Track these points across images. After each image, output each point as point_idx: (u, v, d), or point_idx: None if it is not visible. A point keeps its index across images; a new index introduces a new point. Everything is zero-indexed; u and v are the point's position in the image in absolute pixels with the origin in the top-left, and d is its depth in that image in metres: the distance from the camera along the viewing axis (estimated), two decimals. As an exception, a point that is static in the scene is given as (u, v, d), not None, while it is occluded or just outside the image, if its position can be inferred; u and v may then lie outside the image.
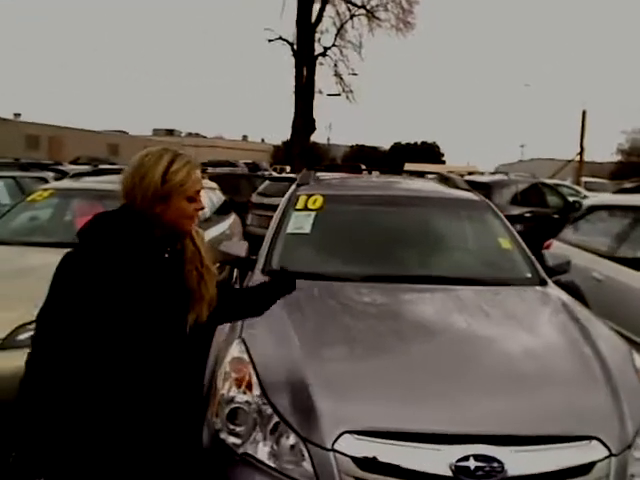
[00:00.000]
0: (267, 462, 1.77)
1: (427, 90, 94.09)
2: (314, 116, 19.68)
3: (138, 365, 1.44)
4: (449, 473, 1.63)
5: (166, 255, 1.54)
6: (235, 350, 2.11)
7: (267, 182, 9.53)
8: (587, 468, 1.68)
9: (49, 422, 1.38)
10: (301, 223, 3.28)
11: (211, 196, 6.40)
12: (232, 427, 1.88)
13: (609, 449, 1.71)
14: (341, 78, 20.71)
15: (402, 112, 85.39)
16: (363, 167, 7.95)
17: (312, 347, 2.09)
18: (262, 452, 1.79)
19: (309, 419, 1.76)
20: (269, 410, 1.84)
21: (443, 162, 35.04)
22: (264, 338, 2.18)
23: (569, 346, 2.22)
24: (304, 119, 19.31)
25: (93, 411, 1.41)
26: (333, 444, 1.69)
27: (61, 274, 1.42)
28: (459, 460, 1.64)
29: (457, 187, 3.81)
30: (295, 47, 18.98)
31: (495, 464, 1.63)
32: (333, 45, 20.40)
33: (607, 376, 2.00)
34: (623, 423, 1.79)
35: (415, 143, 38.59)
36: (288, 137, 20.81)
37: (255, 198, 9.03)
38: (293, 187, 3.70)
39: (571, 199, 9.63)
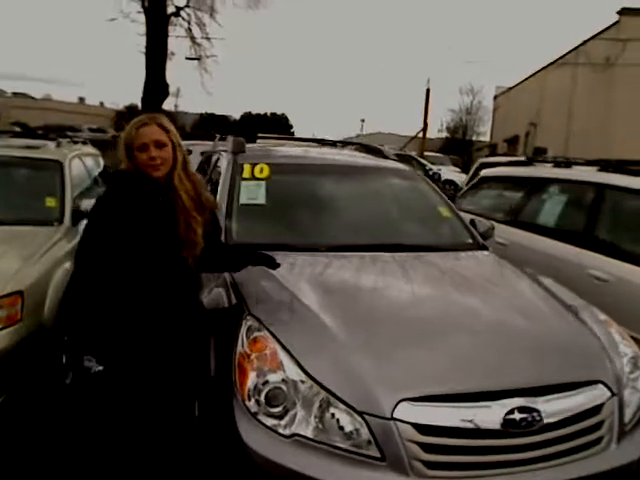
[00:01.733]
0: (320, 439, 1.72)
1: (278, 62, 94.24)
2: (167, 81, 18.57)
3: (145, 272, 1.98)
4: (498, 427, 1.74)
5: (160, 199, 2.03)
6: (250, 329, 1.99)
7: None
8: (597, 409, 1.92)
9: (91, 308, 1.94)
10: (253, 193, 3.13)
11: (86, 164, 5.72)
12: (271, 409, 1.79)
13: (611, 390, 1.96)
14: (194, 42, 19.72)
15: (252, 82, 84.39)
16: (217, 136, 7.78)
17: (335, 316, 2.04)
18: (312, 430, 1.74)
19: (362, 391, 1.74)
20: (312, 386, 1.78)
21: (292, 133, 35.52)
22: (278, 312, 2.07)
23: (542, 300, 2.45)
24: (156, 83, 18.07)
25: (119, 301, 1.97)
26: (392, 413, 1.70)
27: (92, 211, 2.11)
28: (507, 414, 1.75)
29: (387, 158, 3.93)
30: (146, 3, 17.59)
31: (535, 414, 1.78)
32: (187, 6, 19.27)
33: (585, 323, 2.27)
34: (614, 366, 2.06)
35: (265, 114, 38.61)
36: (132, 102, 19.18)
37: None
38: (228, 155, 3.50)
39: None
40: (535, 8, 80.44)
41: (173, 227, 2.04)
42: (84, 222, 2.24)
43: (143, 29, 18.18)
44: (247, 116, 37.38)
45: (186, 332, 2.09)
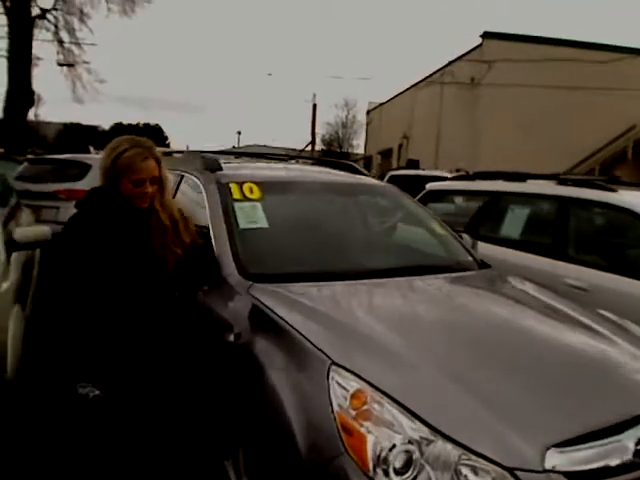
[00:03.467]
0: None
1: (152, 69, 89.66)
2: (34, 88, 16.75)
3: (120, 292, 2.02)
4: (631, 458, 1.64)
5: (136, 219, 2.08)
6: (343, 381, 1.68)
7: (26, 164, 7.75)
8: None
9: (75, 333, 1.99)
10: (251, 216, 2.78)
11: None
12: (402, 477, 1.51)
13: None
14: (62, 46, 18.07)
15: (122, 90, 79.21)
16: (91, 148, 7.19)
17: (426, 356, 1.81)
18: (452, 496, 1.49)
19: (501, 442, 1.54)
20: (441, 443, 1.53)
21: (167, 145, 34.13)
22: (363, 357, 1.79)
23: (599, 317, 2.43)
24: (20, 91, 16.23)
25: (99, 322, 2.00)
26: (543, 464, 1.51)
27: (64, 230, 2.08)
28: (637, 443, 1.65)
29: (360, 174, 3.77)
30: (7, 3, 15.72)
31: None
32: (54, 9, 17.58)
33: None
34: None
35: (137, 124, 36.59)
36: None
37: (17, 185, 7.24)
38: (205, 174, 3.10)
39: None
40: (406, 28, 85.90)
41: (147, 247, 2.07)
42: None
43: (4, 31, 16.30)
44: (118, 126, 35.17)
45: (162, 349, 2.12)
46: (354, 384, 1.67)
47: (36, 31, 16.92)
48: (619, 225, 3.65)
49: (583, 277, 3.52)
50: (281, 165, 3.76)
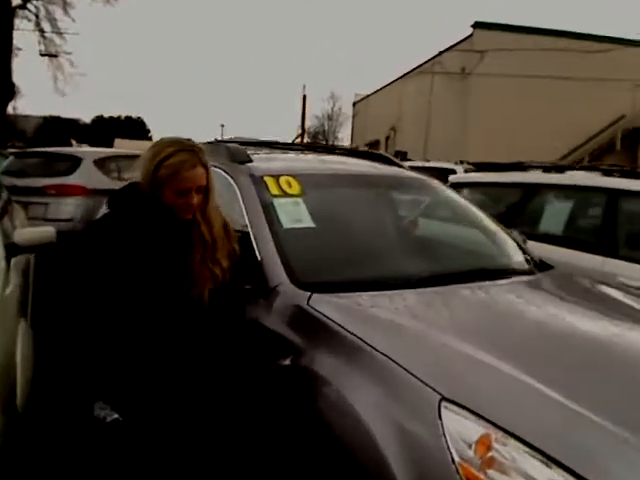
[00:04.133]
0: None
1: (135, 62, 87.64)
2: (14, 80, 16.05)
3: (151, 309, 1.72)
4: None
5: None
6: (462, 422, 1.36)
7: (12, 158, 7.26)
8: None
9: (99, 351, 1.72)
10: (295, 215, 2.44)
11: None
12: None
13: None
14: (44, 36, 17.36)
15: (103, 82, 77.21)
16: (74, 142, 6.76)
17: (561, 390, 1.48)
18: None
19: None
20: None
21: (150, 138, 33.40)
22: (479, 389, 1.47)
23: None
24: (0, 83, 15.53)
25: (126, 341, 1.71)
26: None
27: (93, 230, 1.86)
28: None
29: (399, 166, 3.43)
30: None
31: None
32: (35, -2, 16.85)
33: None
34: None
35: (119, 117, 35.68)
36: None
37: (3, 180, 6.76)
38: (233, 166, 2.74)
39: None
40: (393, 19, 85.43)
41: (185, 261, 1.78)
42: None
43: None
44: (99, 119, 34.28)
45: (206, 375, 1.82)
46: (476, 426, 1.34)
47: (17, 21, 16.24)
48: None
49: (637, 275, 3.25)
50: (312, 156, 3.40)
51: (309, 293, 1.98)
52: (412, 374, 1.50)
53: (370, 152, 3.54)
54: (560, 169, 4.12)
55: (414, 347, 1.64)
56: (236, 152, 2.86)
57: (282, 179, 2.59)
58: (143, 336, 1.73)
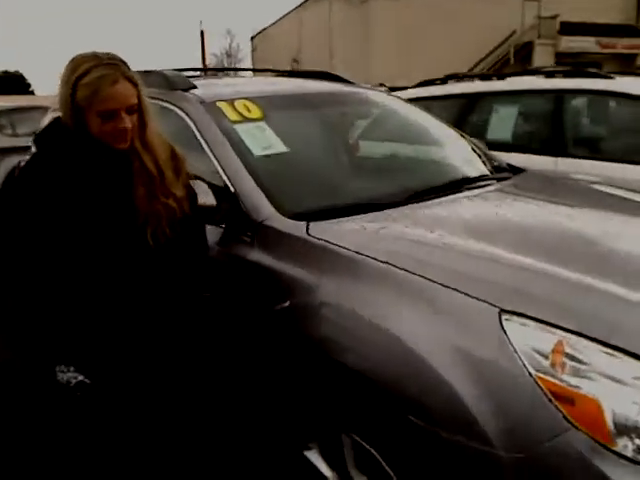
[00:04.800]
0: None
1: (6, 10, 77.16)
2: None
3: (97, 270, 1.48)
4: None
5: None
6: (530, 333, 1.23)
7: None
8: None
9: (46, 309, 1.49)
10: (263, 140, 2.16)
11: None
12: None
13: None
14: None
15: None
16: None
17: (607, 280, 1.38)
18: None
19: None
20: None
21: (32, 92, 30.40)
22: (533, 294, 1.34)
23: None
24: None
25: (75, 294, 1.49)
26: None
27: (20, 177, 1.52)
28: None
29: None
30: None
31: None
32: None
33: None
34: None
35: (-7, 71, 31.90)
36: None
37: None
38: (177, 94, 2.38)
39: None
40: None
41: (129, 199, 1.52)
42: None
43: None
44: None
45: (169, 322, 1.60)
46: (543, 333, 1.23)
47: None
48: (623, 112, 3.44)
49: (590, 170, 3.30)
50: (257, 79, 3.07)
51: (304, 223, 1.76)
52: (459, 291, 1.35)
53: (315, 71, 3.25)
54: (501, 76, 4.05)
55: (449, 263, 1.48)
56: (176, 79, 2.50)
57: (238, 103, 2.29)
58: (96, 289, 1.50)
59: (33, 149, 1.62)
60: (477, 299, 1.32)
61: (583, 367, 1.18)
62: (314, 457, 1.69)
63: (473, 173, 2.45)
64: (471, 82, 4.31)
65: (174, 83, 2.45)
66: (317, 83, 2.93)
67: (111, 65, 1.45)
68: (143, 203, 1.53)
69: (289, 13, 26.99)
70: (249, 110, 2.28)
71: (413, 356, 1.32)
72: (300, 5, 25.55)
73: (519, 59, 21.84)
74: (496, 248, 1.53)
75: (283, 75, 3.34)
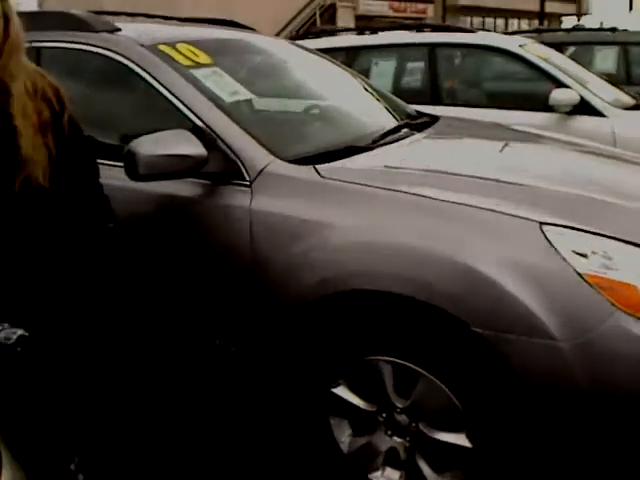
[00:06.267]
0: None
1: None
2: None
3: None
4: None
5: None
6: (568, 240, 1.45)
7: None
8: None
9: None
10: (226, 86, 2.04)
11: None
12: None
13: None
14: None
15: None
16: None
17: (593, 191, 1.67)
18: None
19: None
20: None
21: None
22: (564, 210, 1.56)
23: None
24: None
25: None
26: None
27: None
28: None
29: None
30: None
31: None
32: None
33: None
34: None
35: None
36: None
37: None
38: (104, 37, 2.10)
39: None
40: None
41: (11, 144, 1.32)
42: None
43: None
44: None
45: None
46: (581, 238, 1.46)
47: None
48: (483, 62, 3.92)
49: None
50: (170, 24, 2.81)
51: (311, 166, 1.76)
52: (497, 211, 1.51)
53: (216, 19, 3.07)
54: (373, 30, 4.28)
55: (477, 190, 1.64)
56: (94, 20, 2.20)
57: (182, 47, 2.13)
58: None
59: None
60: (518, 217, 1.49)
61: (616, 261, 1.44)
62: (344, 392, 1.75)
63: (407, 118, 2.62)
64: (346, 36, 4.47)
65: (93, 25, 2.16)
66: (231, 30, 2.82)
67: None
68: (26, 150, 1.33)
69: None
70: (196, 55, 2.13)
71: (468, 273, 1.46)
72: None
73: (324, 21, 22.69)
74: (509, 175, 1.74)
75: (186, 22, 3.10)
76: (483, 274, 1.44)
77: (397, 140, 2.13)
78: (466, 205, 1.55)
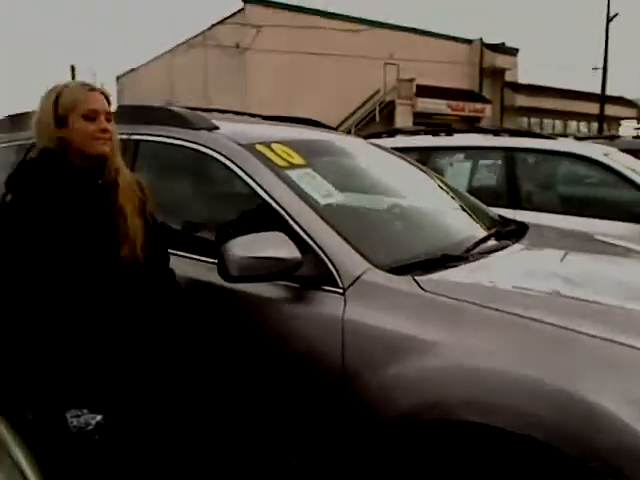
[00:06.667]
0: None
1: None
2: None
3: (81, 292, 1.53)
4: None
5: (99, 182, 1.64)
6: None
7: None
8: None
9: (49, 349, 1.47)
10: (319, 188, 2.02)
11: None
12: None
13: None
14: None
15: None
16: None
17: None
18: None
19: None
20: None
21: None
22: None
23: None
24: None
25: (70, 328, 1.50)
26: None
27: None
28: None
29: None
30: None
31: None
32: None
33: None
34: None
35: None
36: None
37: None
38: (201, 133, 2.15)
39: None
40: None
41: (110, 220, 1.63)
42: None
43: None
44: None
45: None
46: None
47: None
48: (565, 169, 3.83)
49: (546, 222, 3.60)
50: (260, 123, 2.90)
51: (410, 277, 1.66)
52: (617, 342, 1.35)
53: (296, 117, 3.16)
54: (449, 132, 4.32)
55: (594, 315, 1.49)
56: (195, 117, 2.27)
57: (276, 148, 2.15)
58: (92, 319, 1.54)
59: (8, 188, 1.60)
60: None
61: None
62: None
63: (495, 224, 2.52)
64: (422, 137, 4.53)
65: (193, 122, 2.22)
66: (318, 130, 2.87)
67: (83, 82, 1.67)
68: (126, 227, 1.63)
69: (161, 56, 26.47)
70: (290, 155, 2.13)
71: (596, 412, 1.27)
72: (173, 48, 25.22)
73: (383, 117, 23.60)
74: (619, 301, 1.58)
75: (268, 120, 3.20)
76: (615, 416, 1.26)
77: (494, 251, 2.03)
78: (584, 334, 1.39)
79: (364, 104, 23.43)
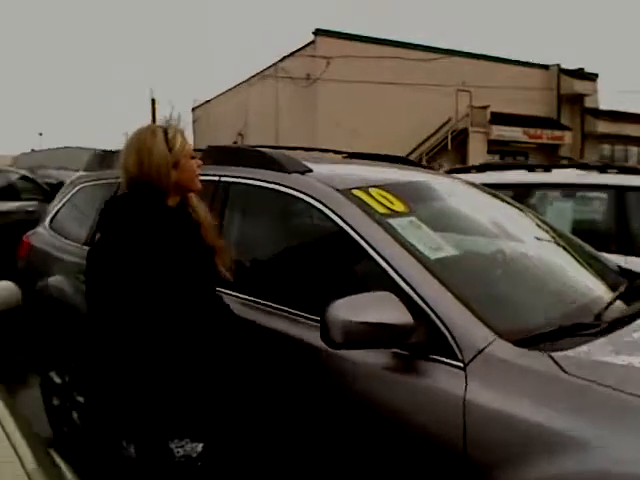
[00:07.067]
0: None
1: None
2: None
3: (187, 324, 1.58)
4: None
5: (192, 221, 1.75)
6: None
7: None
8: None
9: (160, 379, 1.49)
10: (427, 240, 1.79)
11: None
12: None
13: None
14: None
15: None
16: None
17: None
18: None
19: None
20: None
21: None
22: None
23: None
24: None
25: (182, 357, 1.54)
26: None
27: (98, 264, 1.59)
28: None
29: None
30: None
31: None
32: None
33: None
34: None
35: None
36: None
37: None
38: (294, 177, 2.00)
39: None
40: (232, 27, 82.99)
41: (199, 243, 1.73)
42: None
43: None
44: None
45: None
46: None
47: None
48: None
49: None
50: (352, 163, 2.74)
51: (546, 354, 1.39)
52: None
53: (390, 156, 2.97)
54: (546, 168, 3.98)
55: None
56: (289, 160, 2.12)
57: (375, 193, 1.95)
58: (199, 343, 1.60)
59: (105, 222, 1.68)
60: None
61: None
62: None
63: (618, 277, 2.20)
64: (516, 172, 4.20)
65: (285, 165, 2.07)
66: (415, 170, 2.65)
67: (169, 125, 1.82)
68: (211, 239, 1.76)
69: (234, 88, 27.35)
70: (390, 202, 1.93)
71: None
72: (245, 81, 26.00)
73: (455, 145, 23.09)
74: None
75: (354, 157, 3.03)
76: None
77: (633, 318, 1.70)
78: None
79: (435, 132, 23.04)
